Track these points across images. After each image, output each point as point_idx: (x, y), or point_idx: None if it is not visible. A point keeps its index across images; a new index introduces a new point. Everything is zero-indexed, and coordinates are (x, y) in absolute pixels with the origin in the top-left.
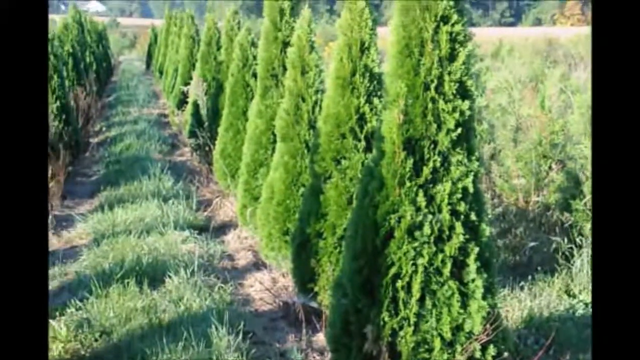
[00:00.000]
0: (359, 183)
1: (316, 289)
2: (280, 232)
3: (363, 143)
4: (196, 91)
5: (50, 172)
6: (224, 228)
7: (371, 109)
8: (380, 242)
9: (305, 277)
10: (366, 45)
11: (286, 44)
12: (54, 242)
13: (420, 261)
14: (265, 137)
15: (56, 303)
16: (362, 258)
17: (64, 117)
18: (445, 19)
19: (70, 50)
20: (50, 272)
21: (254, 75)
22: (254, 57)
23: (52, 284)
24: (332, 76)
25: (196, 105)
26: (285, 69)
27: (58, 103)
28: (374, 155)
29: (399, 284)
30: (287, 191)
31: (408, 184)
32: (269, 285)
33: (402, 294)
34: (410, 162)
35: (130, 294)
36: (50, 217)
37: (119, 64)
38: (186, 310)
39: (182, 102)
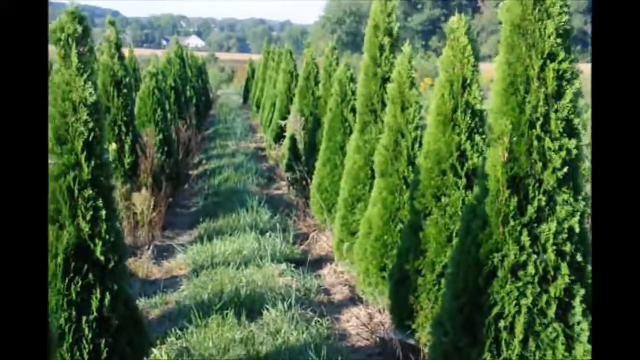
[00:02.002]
0: (462, 221)
1: (414, 326)
2: (378, 268)
3: (464, 180)
4: (294, 126)
5: (152, 203)
6: (320, 262)
7: (473, 146)
8: (483, 281)
9: (403, 314)
10: (468, 82)
11: (386, 80)
12: (155, 272)
13: (524, 302)
14: (364, 172)
15: (158, 331)
16: (464, 297)
17: (166, 149)
18: (552, 57)
19: (173, 85)
20: (152, 300)
21: (353, 110)
22: (353, 93)
23: (154, 313)
24: (433, 113)
25: (294, 140)
26: (384, 104)
27: (161, 136)
28: (477, 193)
29: (502, 324)
30: (385, 227)
31: (512, 222)
32: (366, 321)
33: (505, 335)
34: (514, 200)
35: (229, 325)
36: (151, 247)
37: (217, 97)
38: (284, 344)
39: (279, 137)
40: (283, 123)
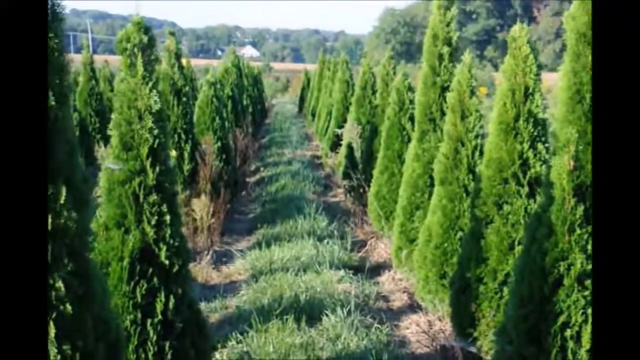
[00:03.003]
0: (526, 229)
1: (475, 334)
2: (437, 275)
3: (526, 188)
4: (351, 134)
5: (212, 209)
6: (378, 269)
7: (535, 155)
8: (549, 289)
9: (464, 322)
10: (530, 90)
11: (444, 89)
12: (214, 277)
13: (590, 310)
14: (422, 180)
15: (218, 335)
16: (528, 305)
17: (224, 156)
18: None
19: (230, 93)
20: (212, 305)
21: (410, 119)
22: (410, 102)
23: (214, 317)
24: (495, 121)
25: (350, 148)
26: (443, 113)
27: (219, 143)
28: (542, 202)
29: (568, 333)
30: (444, 235)
31: (578, 231)
32: (425, 328)
33: (570, 344)
34: (580, 209)
35: (289, 329)
36: (210, 252)
37: (272, 106)
38: (344, 349)
39: (335, 145)
40: (339, 131)
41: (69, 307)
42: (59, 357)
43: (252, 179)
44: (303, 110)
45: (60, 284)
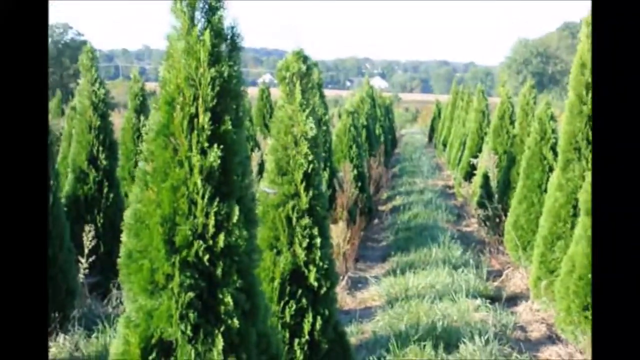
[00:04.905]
0: None
1: None
2: (581, 307)
3: None
4: (487, 163)
5: (347, 236)
6: (514, 299)
7: None
8: None
9: None
10: None
11: (591, 118)
12: (349, 302)
13: None
14: (565, 210)
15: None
16: None
17: (359, 184)
18: None
19: (365, 123)
20: (347, 329)
21: (552, 148)
22: (553, 131)
23: (351, 341)
24: None
25: (486, 177)
26: (588, 142)
27: (355, 171)
28: None
29: None
30: (589, 265)
31: None
32: (566, 359)
33: None
34: None
35: (427, 356)
36: (345, 277)
37: (401, 136)
38: None
39: (469, 174)
40: (475, 161)
41: (236, 321)
42: None
43: (384, 207)
44: (433, 140)
45: (229, 299)
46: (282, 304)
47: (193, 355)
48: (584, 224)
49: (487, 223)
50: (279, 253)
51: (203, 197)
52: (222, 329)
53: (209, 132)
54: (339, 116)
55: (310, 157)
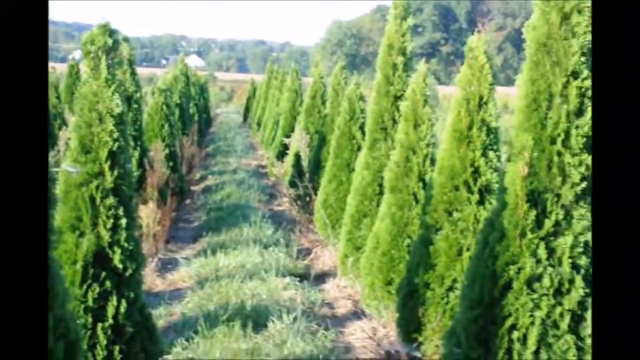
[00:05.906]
0: (479, 233)
1: (421, 339)
2: (384, 282)
3: (476, 196)
4: (298, 143)
5: (157, 216)
6: (322, 277)
7: (486, 163)
8: (498, 293)
9: (410, 327)
10: (484, 99)
11: (397, 98)
12: (158, 284)
13: (537, 313)
14: (371, 188)
15: (163, 342)
16: (478, 308)
17: (171, 164)
18: (575, 74)
19: (178, 101)
20: (156, 312)
21: (361, 128)
22: (361, 111)
23: (159, 324)
24: (448, 129)
25: (298, 157)
26: (394, 122)
27: (167, 150)
28: (495, 207)
29: (515, 335)
30: (392, 242)
31: (529, 235)
32: (370, 334)
33: (517, 346)
34: (532, 214)
35: (235, 335)
36: (155, 259)
37: (216, 116)
38: (290, 355)
39: (282, 154)
40: (287, 140)
41: None
42: None
43: (196, 188)
44: (248, 119)
45: None
46: (84, 287)
47: None
48: (388, 201)
49: (298, 202)
50: (81, 235)
51: None
52: None
53: None
54: (152, 94)
55: (116, 135)
